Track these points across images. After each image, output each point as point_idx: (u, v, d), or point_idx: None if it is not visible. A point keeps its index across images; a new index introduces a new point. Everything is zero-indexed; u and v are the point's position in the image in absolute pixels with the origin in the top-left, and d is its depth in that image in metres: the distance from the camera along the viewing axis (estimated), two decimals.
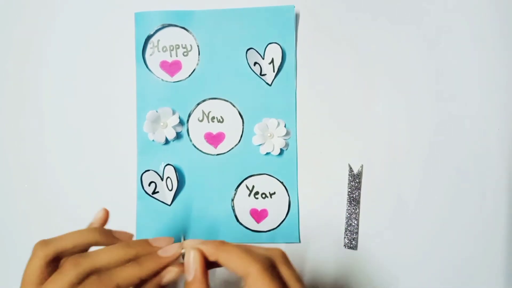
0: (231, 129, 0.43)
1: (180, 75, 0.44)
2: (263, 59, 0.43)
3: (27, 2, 0.45)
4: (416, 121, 0.43)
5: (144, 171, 0.42)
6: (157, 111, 0.43)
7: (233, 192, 0.43)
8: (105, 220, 0.34)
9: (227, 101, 0.43)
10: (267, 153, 0.43)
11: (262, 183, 0.43)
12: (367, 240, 0.42)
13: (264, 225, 0.42)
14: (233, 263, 0.27)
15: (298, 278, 0.28)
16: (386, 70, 0.43)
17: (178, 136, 0.43)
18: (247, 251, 0.27)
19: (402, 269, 0.42)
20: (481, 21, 0.43)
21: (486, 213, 0.42)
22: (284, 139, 0.42)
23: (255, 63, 0.43)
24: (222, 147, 0.43)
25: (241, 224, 0.42)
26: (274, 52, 0.43)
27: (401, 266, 0.42)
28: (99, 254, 0.28)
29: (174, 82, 0.44)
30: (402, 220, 0.42)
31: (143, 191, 0.42)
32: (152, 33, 0.43)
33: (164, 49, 0.44)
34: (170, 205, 0.43)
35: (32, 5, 0.45)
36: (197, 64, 0.43)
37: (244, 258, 0.27)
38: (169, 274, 0.29)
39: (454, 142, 0.43)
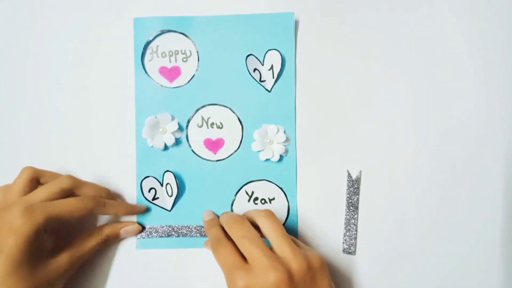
0: (231, 135, 0.43)
1: (179, 80, 0.44)
2: (263, 65, 0.43)
3: (25, 7, 0.44)
4: (415, 127, 0.43)
5: (144, 177, 0.42)
6: (156, 117, 0.42)
7: (233, 197, 0.43)
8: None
9: (226, 107, 0.43)
10: (267, 159, 0.43)
11: (262, 189, 0.43)
12: (365, 246, 0.43)
13: None
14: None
15: None
16: (386, 76, 0.44)
17: (177, 142, 0.43)
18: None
19: (401, 274, 0.43)
20: (481, 23, 0.44)
21: (484, 218, 0.43)
22: (284, 145, 0.43)
23: (255, 69, 0.43)
24: (222, 153, 0.43)
25: None
26: (273, 59, 0.43)
27: (400, 271, 0.43)
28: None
29: (173, 87, 0.43)
30: (401, 225, 0.43)
31: (143, 197, 0.42)
32: (151, 38, 0.43)
33: (163, 54, 0.44)
34: (170, 211, 0.43)
35: (30, 10, 0.44)
36: (197, 70, 0.43)
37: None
38: (133, 227, 0.42)
39: (453, 148, 0.43)
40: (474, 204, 0.43)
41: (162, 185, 0.43)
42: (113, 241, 0.42)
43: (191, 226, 0.42)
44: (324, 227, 0.43)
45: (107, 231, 0.40)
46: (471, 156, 0.43)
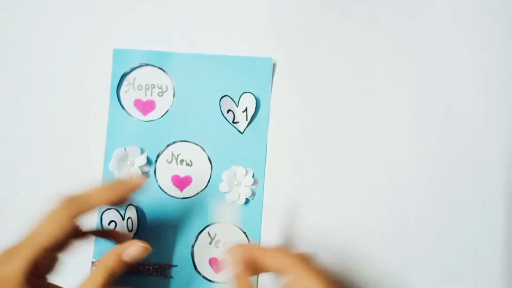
0: (199, 173, 0.43)
1: (153, 114, 0.43)
2: (237, 107, 0.43)
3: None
4: (415, 129, 0.43)
5: (105, 209, 0.41)
6: (125, 149, 0.42)
7: (194, 238, 0.42)
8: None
9: (197, 145, 0.43)
10: (232, 202, 0.42)
11: (225, 232, 0.42)
12: (367, 247, 0.42)
13: (222, 276, 0.41)
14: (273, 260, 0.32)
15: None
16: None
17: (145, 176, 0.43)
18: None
19: (403, 275, 0.42)
20: (481, 24, 0.44)
21: (485, 218, 0.42)
22: (251, 189, 0.42)
23: (229, 111, 0.43)
24: (188, 191, 0.43)
25: (198, 272, 0.41)
26: (248, 102, 0.43)
27: (402, 272, 0.42)
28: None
29: (146, 121, 0.43)
30: (403, 226, 0.42)
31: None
32: (128, 70, 0.43)
33: (140, 87, 0.44)
34: None
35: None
36: (171, 106, 0.43)
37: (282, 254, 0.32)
38: (134, 247, 0.34)
39: (454, 146, 0.43)
40: (476, 203, 0.42)
41: (123, 218, 0.42)
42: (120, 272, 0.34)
43: (148, 265, 0.41)
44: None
45: (111, 264, 0.33)
46: (472, 155, 0.43)
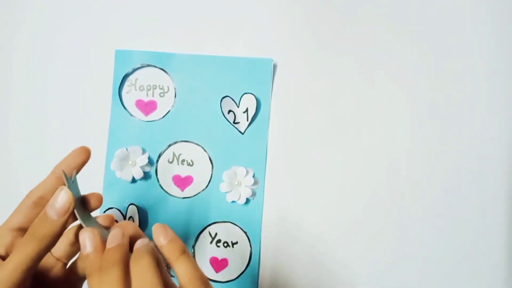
0: (200, 173, 0.43)
1: (155, 115, 0.44)
2: (238, 107, 0.43)
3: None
4: (415, 135, 0.43)
5: (107, 208, 0.42)
6: (127, 149, 0.42)
7: (195, 237, 0.42)
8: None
9: (198, 145, 0.43)
10: (233, 201, 0.42)
11: (225, 231, 0.42)
12: (366, 244, 0.42)
13: (222, 275, 0.42)
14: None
15: None
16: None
17: (146, 175, 0.43)
18: None
19: (403, 273, 0.42)
20: (481, 25, 0.45)
21: (486, 218, 0.42)
22: (251, 189, 0.42)
23: (230, 111, 0.43)
24: (189, 190, 0.43)
25: None
26: (249, 102, 0.43)
27: (402, 270, 0.42)
28: None
29: (147, 121, 0.44)
30: (402, 225, 0.42)
31: None
32: (130, 71, 0.44)
33: (141, 88, 0.44)
34: None
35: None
36: (172, 106, 0.44)
37: None
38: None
39: (454, 150, 0.43)
40: (477, 205, 0.43)
41: (125, 218, 0.42)
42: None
43: None
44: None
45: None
46: (474, 158, 0.43)
